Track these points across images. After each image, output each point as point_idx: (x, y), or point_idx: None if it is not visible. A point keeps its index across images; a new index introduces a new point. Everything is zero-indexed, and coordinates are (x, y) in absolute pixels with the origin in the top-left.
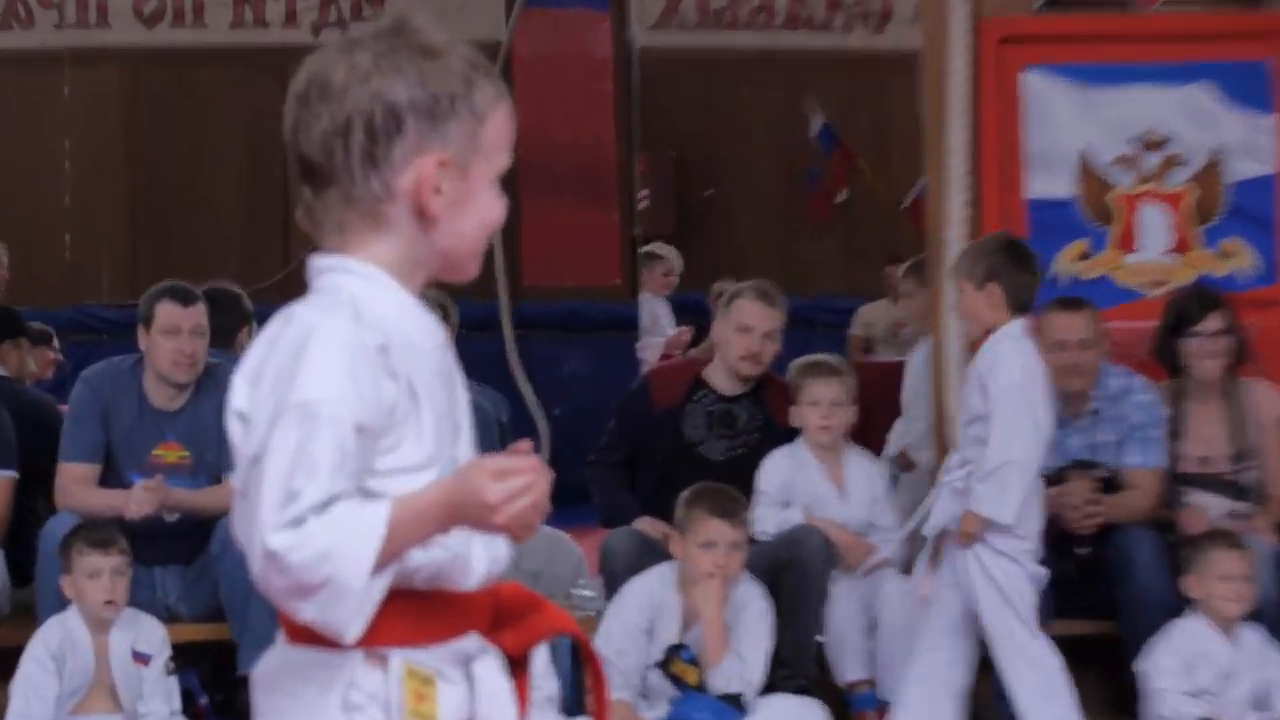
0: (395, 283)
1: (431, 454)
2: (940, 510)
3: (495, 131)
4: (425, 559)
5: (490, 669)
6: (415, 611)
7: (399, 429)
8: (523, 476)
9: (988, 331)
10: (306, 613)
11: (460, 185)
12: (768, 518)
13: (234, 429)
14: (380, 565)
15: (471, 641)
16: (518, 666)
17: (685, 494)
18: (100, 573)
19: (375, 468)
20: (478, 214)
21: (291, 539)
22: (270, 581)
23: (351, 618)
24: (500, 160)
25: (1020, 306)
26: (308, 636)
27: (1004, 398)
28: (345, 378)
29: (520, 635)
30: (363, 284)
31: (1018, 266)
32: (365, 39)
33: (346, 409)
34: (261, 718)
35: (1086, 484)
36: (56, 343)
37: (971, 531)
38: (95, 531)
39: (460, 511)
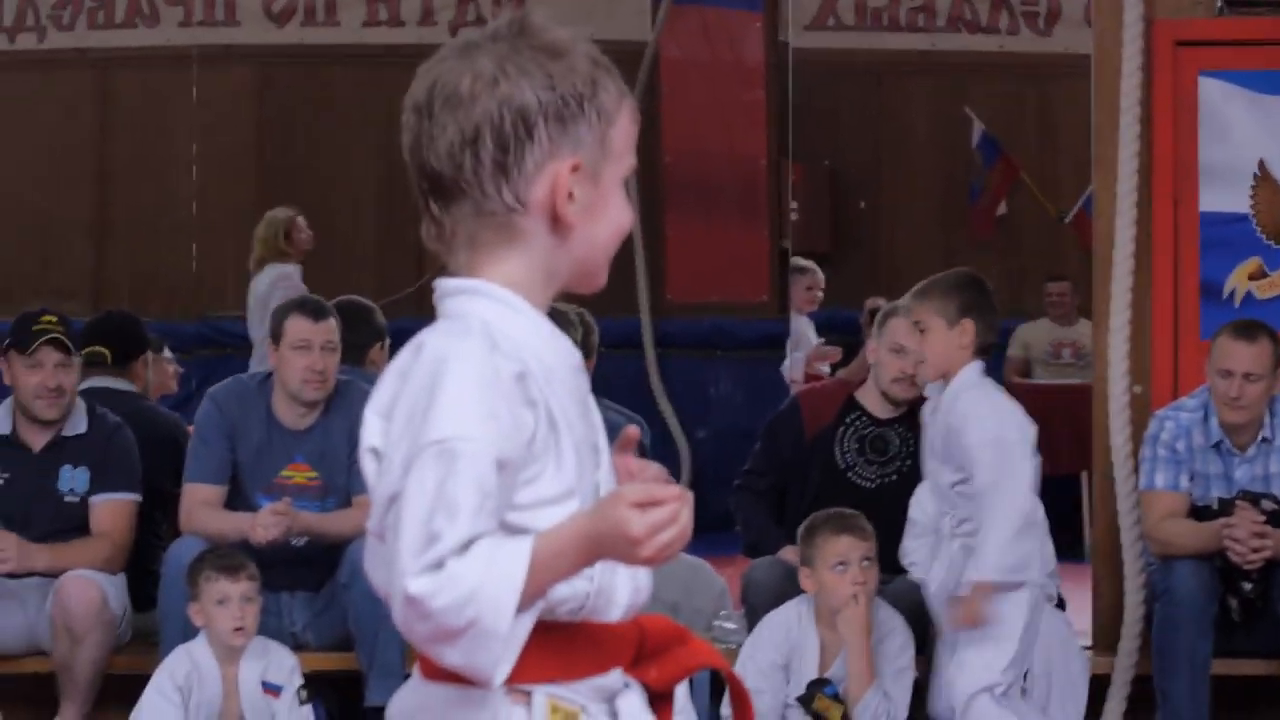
0: (527, 304)
1: (572, 484)
2: (953, 568)
3: (623, 132)
4: (569, 592)
5: (634, 705)
6: (559, 646)
7: (539, 460)
8: (667, 506)
9: (942, 376)
10: (451, 658)
11: (593, 190)
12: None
13: (368, 467)
14: (524, 605)
15: (615, 676)
16: (662, 701)
17: (802, 527)
18: (229, 599)
19: (516, 501)
20: (610, 219)
21: (433, 584)
22: (412, 628)
23: (498, 661)
24: (627, 162)
25: (984, 349)
26: (446, 674)
27: (984, 457)
28: (483, 411)
29: (665, 669)
30: (495, 307)
31: (989, 305)
32: (484, 41)
33: (485, 445)
34: None
35: (1253, 516)
36: (168, 352)
37: (976, 609)
38: (224, 557)
39: (603, 546)
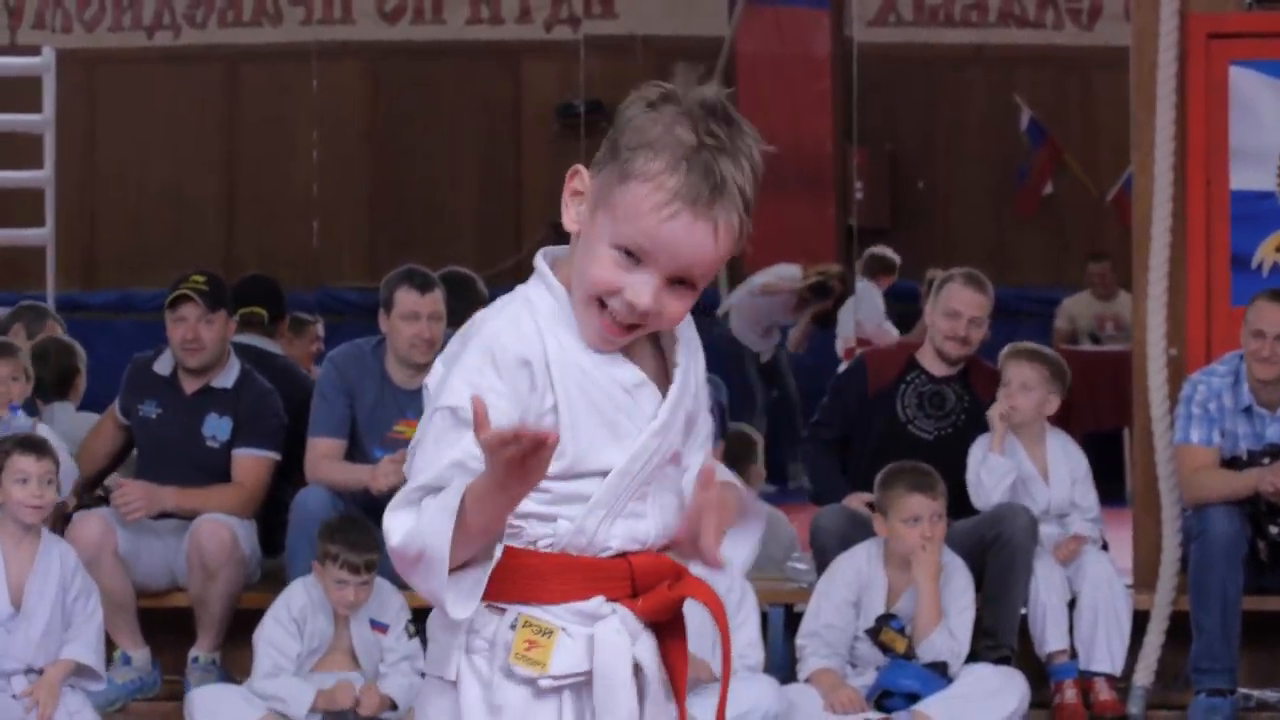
0: (569, 297)
1: (570, 466)
2: None
3: (633, 200)
4: (548, 530)
5: (609, 629)
6: (537, 573)
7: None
8: (516, 439)
9: None
10: (418, 585)
11: (587, 219)
12: (979, 488)
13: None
14: (468, 540)
15: (596, 603)
16: (674, 635)
17: (880, 476)
18: (347, 584)
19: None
20: (583, 260)
21: (390, 522)
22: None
23: (444, 587)
24: (626, 227)
25: None
26: None
27: None
28: (483, 384)
29: (649, 601)
30: (539, 289)
31: None
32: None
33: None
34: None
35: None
36: (321, 329)
37: None
38: (355, 543)
39: (491, 482)
